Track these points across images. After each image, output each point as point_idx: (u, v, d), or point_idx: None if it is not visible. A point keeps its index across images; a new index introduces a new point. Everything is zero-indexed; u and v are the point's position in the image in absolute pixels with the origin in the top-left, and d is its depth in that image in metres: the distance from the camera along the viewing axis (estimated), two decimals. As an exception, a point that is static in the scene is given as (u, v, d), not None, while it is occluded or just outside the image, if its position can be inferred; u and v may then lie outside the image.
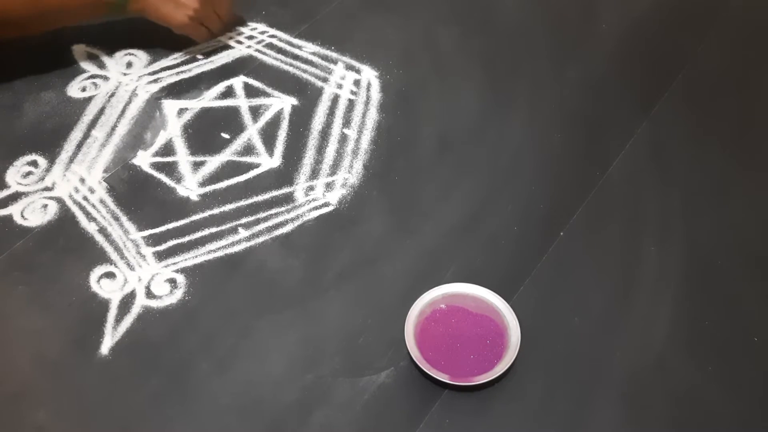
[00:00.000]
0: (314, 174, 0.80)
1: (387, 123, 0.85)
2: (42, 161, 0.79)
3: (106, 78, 0.88)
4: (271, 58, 0.92)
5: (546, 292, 0.70)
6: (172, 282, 0.70)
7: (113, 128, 0.83)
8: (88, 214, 0.75)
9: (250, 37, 0.95)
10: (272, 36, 0.95)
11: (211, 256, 0.72)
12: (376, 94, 0.89)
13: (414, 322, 0.65)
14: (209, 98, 0.87)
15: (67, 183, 0.77)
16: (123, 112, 0.85)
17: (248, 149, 0.82)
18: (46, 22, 0.85)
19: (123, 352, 0.65)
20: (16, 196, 0.76)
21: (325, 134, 0.84)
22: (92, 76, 0.89)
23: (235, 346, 0.65)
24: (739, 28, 1.01)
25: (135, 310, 0.67)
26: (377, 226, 0.75)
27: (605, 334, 0.67)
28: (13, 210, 0.75)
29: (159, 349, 0.65)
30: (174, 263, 0.71)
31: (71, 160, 0.80)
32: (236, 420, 0.61)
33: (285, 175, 0.79)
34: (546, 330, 0.67)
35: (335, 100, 0.88)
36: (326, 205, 0.77)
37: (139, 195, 0.77)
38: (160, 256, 0.71)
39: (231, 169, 0.80)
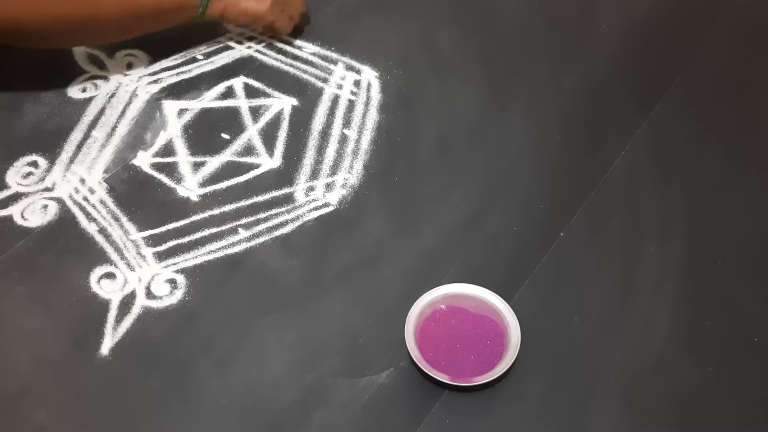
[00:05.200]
0: (314, 174, 0.80)
1: (387, 123, 0.85)
2: (42, 162, 0.79)
3: (106, 79, 0.88)
4: (271, 59, 0.93)
5: (546, 292, 0.70)
6: (173, 282, 0.70)
7: (113, 129, 0.83)
8: (88, 215, 0.75)
9: (250, 38, 0.95)
10: (272, 36, 0.95)
11: (211, 257, 0.72)
12: (376, 95, 0.89)
13: (414, 322, 0.65)
14: (209, 99, 0.87)
15: (67, 183, 0.77)
16: (123, 112, 0.85)
17: (248, 150, 0.82)
18: (135, 27, 0.84)
19: (123, 353, 0.65)
20: (16, 197, 0.76)
21: (325, 135, 0.84)
22: (92, 77, 0.89)
23: (235, 347, 0.65)
24: (739, 28, 1.01)
25: (135, 310, 0.67)
26: (377, 226, 0.75)
27: (605, 334, 0.67)
28: (14, 210, 0.75)
29: (159, 349, 0.65)
30: (174, 264, 0.71)
31: (71, 160, 0.80)
32: (236, 420, 0.61)
33: (285, 175, 0.79)
34: (546, 330, 0.67)
35: (335, 100, 0.88)
36: (326, 205, 0.77)
37: (140, 195, 0.77)
38: (161, 257, 0.71)
39: (231, 169, 0.80)
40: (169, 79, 0.89)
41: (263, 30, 0.94)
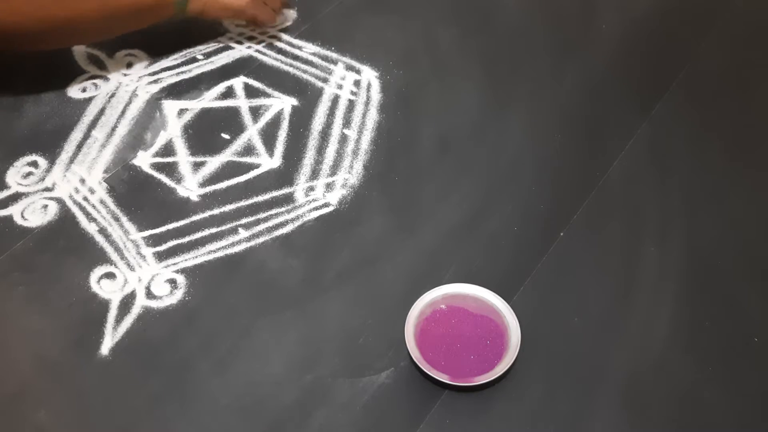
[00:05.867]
0: (314, 174, 0.80)
1: (387, 123, 0.85)
2: (42, 162, 0.79)
3: (106, 78, 0.88)
4: (271, 59, 0.93)
5: (546, 292, 0.70)
6: (173, 282, 0.70)
7: (113, 129, 0.83)
8: (88, 215, 0.75)
9: (251, 38, 0.95)
10: (272, 36, 0.95)
11: (211, 257, 0.72)
12: (376, 95, 0.89)
13: (414, 322, 0.65)
14: (209, 99, 0.87)
15: (67, 183, 0.77)
16: (123, 112, 0.85)
17: (248, 150, 0.82)
18: (115, 26, 0.84)
19: (123, 353, 0.65)
20: (16, 197, 0.76)
21: (325, 135, 0.84)
22: (92, 77, 0.89)
23: (235, 347, 0.65)
24: (739, 27, 1.01)
25: (135, 310, 0.67)
26: (377, 226, 0.75)
27: (605, 334, 0.67)
28: (14, 210, 0.75)
29: (159, 349, 0.65)
30: (174, 264, 0.71)
31: (71, 160, 0.80)
32: (236, 420, 0.61)
33: (285, 175, 0.79)
34: (546, 330, 0.67)
35: (335, 100, 0.88)
36: (326, 205, 0.77)
37: (140, 195, 0.77)
38: (161, 257, 0.71)
39: (231, 169, 0.80)
40: (169, 79, 0.89)
41: (247, 24, 0.94)
